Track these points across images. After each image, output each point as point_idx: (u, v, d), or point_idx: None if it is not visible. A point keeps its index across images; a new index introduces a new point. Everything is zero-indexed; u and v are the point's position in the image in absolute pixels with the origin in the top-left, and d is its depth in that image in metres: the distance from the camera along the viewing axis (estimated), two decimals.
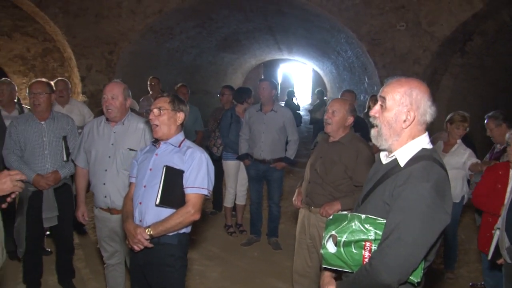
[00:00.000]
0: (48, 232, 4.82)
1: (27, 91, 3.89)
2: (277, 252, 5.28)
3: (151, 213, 2.69)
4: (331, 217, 2.02)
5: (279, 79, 25.19)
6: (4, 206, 2.33)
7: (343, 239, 1.90)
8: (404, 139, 1.94)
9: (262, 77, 22.74)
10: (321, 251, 1.99)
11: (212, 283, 4.50)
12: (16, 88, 5.16)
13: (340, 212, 2.15)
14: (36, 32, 10.65)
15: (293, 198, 3.79)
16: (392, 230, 1.77)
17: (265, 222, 5.69)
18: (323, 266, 2.04)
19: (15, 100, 5.07)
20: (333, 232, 1.94)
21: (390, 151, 1.98)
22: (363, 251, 1.87)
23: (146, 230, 2.63)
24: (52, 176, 3.88)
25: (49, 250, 4.99)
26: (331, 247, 1.95)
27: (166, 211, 2.67)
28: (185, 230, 2.78)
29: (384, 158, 2.03)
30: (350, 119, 3.46)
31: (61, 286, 4.27)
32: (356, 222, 1.88)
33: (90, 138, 3.52)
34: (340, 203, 3.32)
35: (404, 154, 1.92)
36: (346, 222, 1.91)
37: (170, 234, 2.69)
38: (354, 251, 1.88)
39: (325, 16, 8.53)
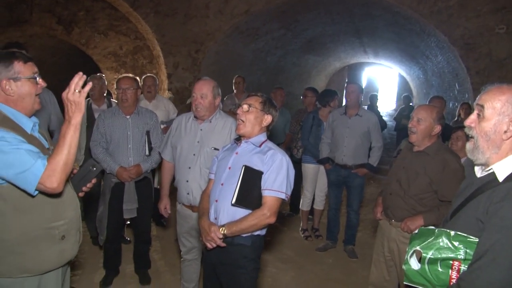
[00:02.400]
0: (128, 222, 4.98)
1: (115, 86, 4.03)
2: (352, 261, 5.11)
3: (227, 212, 2.66)
4: (416, 232, 1.88)
5: (364, 83, 24.62)
6: (81, 194, 2.39)
7: (428, 256, 1.75)
8: (504, 152, 1.75)
9: (346, 80, 22.38)
10: (403, 267, 1.85)
11: (284, 287, 4.43)
12: (106, 83, 5.40)
13: (427, 227, 1.98)
14: (128, 31, 11.19)
15: (373, 209, 3.59)
16: (486, 251, 1.60)
17: (342, 228, 5.53)
18: (404, 283, 1.89)
19: (105, 94, 5.30)
20: (418, 248, 1.80)
21: (487, 165, 1.80)
22: (450, 271, 1.71)
23: (220, 229, 2.60)
24: (134, 169, 3.98)
25: (128, 239, 5.18)
26: (414, 264, 1.81)
27: (242, 211, 2.62)
28: (259, 232, 2.72)
29: (479, 170, 1.84)
30: (437, 128, 3.15)
31: (137, 275, 4.39)
32: (444, 239, 1.73)
33: (178, 134, 3.56)
34: (423, 218, 3.04)
35: (503, 168, 1.72)
36: (432, 238, 1.76)
37: (244, 235, 2.65)
38: (440, 270, 1.73)
39: (416, 19, 8.17)
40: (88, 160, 2.29)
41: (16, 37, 10.06)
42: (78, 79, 2.02)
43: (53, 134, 4.07)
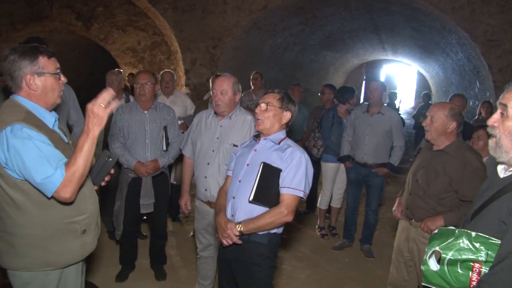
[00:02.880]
0: (144, 217, 5.00)
1: (133, 81, 4.03)
2: (369, 260, 5.06)
3: (244, 209, 2.63)
4: (436, 231, 1.83)
5: (382, 80, 24.34)
6: (103, 184, 2.41)
7: (448, 257, 1.71)
8: None
9: (364, 77, 22.18)
10: (422, 267, 1.82)
11: (299, 285, 4.40)
12: (124, 78, 5.43)
13: (447, 227, 1.93)
14: (146, 27, 11.25)
15: (393, 208, 3.52)
16: (509, 253, 1.55)
17: (359, 227, 5.48)
18: (423, 284, 1.86)
19: (123, 89, 5.32)
20: (437, 248, 1.76)
21: (510, 164, 1.75)
22: (470, 273, 1.67)
23: (237, 226, 2.58)
24: (151, 165, 3.99)
25: (144, 234, 5.20)
26: (433, 264, 1.77)
27: (259, 209, 2.60)
28: (276, 231, 2.69)
29: (503, 171, 1.79)
30: (452, 125, 3.04)
31: (153, 271, 4.40)
32: (465, 240, 1.69)
33: (198, 130, 3.55)
34: (443, 218, 2.97)
35: None
36: (452, 239, 1.72)
37: (261, 233, 2.62)
38: (460, 271, 1.69)
39: (436, 15, 8.04)
40: (103, 152, 2.29)
41: (36, 32, 10.17)
42: (106, 94, 2.05)
43: (71, 128, 4.09)
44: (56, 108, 2.31)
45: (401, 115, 11.35)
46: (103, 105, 2.03)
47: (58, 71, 2.21)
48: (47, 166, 1.98)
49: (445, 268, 1.72)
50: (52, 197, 2.05)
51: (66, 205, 2.16)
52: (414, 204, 3.19)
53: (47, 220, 2.16)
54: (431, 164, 3.13)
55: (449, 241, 1.73)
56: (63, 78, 2.24)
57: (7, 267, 2.23)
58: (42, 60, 2.14)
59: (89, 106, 2.03)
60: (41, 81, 2.14)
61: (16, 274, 2.22)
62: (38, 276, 2.20)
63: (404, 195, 3.37)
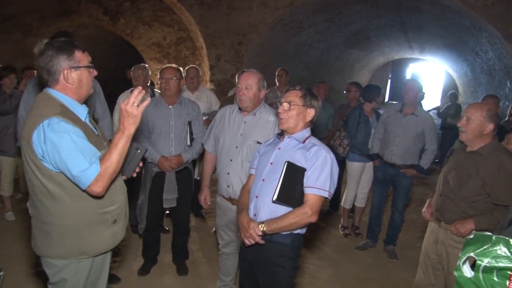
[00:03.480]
0: (167, 212, 5.00)
1: (159, 76, 4.02)
2: (392, 262, 4.96)
3: (267, 209, 2.59)
4: (471, 236, 1.76)
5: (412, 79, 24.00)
6: (134, 175, 2.46)
7: (483, 264, 1.64)
8: None
9: (390, 76, 21.91)
10: (455, 273, 1.75)
11: (321, 284, 4.34)
12: (150, 73, 5.43)
13: (483, 232, 1.86)
14: (172, 22, 11.28)
15: (423, 209, 3.43)
16: None
17: (383, 228, 5.39)
18: None
19: (148, 84, 5.33)
20: (472, 254, 1.69)
21: None
22: (507, 282, 1.60)
23: (260, 226, 2.54)
24: (175, 159, 3.98)
25: (167, 229, 5.21)
26: (467, 271, 1.71)
27: (282, 209, 2.55)
28: (299, 231, 2.64)
29: None
30: (489, 127, 2.94)
31: (175, 265, 4.40)
32: (502, 247, 1.61)
33: (221, 125, 3.52)
34: (474, 222, 2.88)
35: None
36: (489, 245, 1.65)
37: (284, 233, 2.57)
38: (496, 279, 1.62)
39: (466, 13, 7.85)
40: (132, 144, 2.30)
41: (64, 27, 10.30)
42: (138, 92, 2.09)
43: (97, 122, 4.11)
44: (84, 102, 2.34)
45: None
46: (136, 104, 2.07)
47: (91, 64, 2.26)
48: (82, 159, 2.03)
49: (480, 275, 1.65)
50: (85, 190, 2.10)
51: (100, 196, 2.21)
52: (444, 206, 3.10)
53: (81, 211, 2.22)
54: (463, 166, 3.03)
55: (485, 247, 1.65)
56: (95, 71, 2.28)
57: (43, 255, 2.30)
58: (78, 54, 2.19)
59: (122, 106, 2.07)
60: (77, 75, 2.19)
61: (51, 262, 2.29)
62: (71, 264, 2.28)
63: (435, 197, 3.28)
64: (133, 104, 2.07)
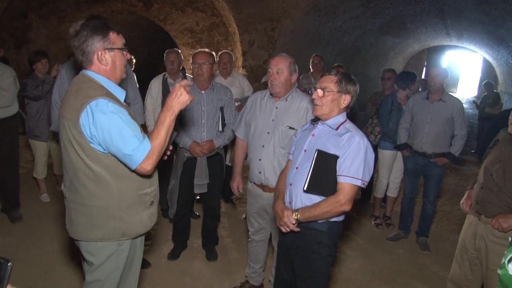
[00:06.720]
0: (198, 197, 5.02)
1: (191, 61, 4.00)
2: (424, 253, 4.86)
3: (301, 197, 2.55)
4: None
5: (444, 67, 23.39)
6: (165, 157, 2.42)
7: None
8: None
9: (425, 64, 21.42)
10: (498, 271, 1.67)
11: (351, 275, 4.29)
12: (183, 58, 5.43)
13: None
14: (205, 7, 11.23)
15: (461, 201, 3.28)
16: None
17: (415, 219, 5.27)
18: None
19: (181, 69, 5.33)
20: None
21: None
22: None
23: (294, 214, 2.50)
24: (207, 145, 3.96)
25: (197, 214, 5.24)
26: None
27: (317, 196, 2.50)
28: (336, 219, 2.59)
29: None
30: None
31: (204, 251, 4.43)
32: None
33: (252, 111, 3.47)
34: None
35: None
36: None
37: (320, 220, 2.53)
38: None
39: None
40: None
41: (99, 13, 10.40)
42: (187, 82, 2.18)
43: (129, 106, 4.13)
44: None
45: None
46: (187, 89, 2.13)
47: (125, 46, 2.25)
48: (133, 138, 2.05)
49: None
50: (135, 170, 2.12)
51: (140, 178, 2.24)
52: (486, 199, 2.95)
53: (124, 192, 2.23)
54: (509, 158, 2.87)
55: None
56: (128, 55, 2.29)
57: (83, 239, 2.30)
58: (112, 36, 2.19)
59: (182, 83, 2.14)
60: (111, 56, 2.19)
61: (92, 245, 2.30)
62: (112, 246, 2.31)
63: (475, 189, 3.12)
64: (186, 87, 2.13)
